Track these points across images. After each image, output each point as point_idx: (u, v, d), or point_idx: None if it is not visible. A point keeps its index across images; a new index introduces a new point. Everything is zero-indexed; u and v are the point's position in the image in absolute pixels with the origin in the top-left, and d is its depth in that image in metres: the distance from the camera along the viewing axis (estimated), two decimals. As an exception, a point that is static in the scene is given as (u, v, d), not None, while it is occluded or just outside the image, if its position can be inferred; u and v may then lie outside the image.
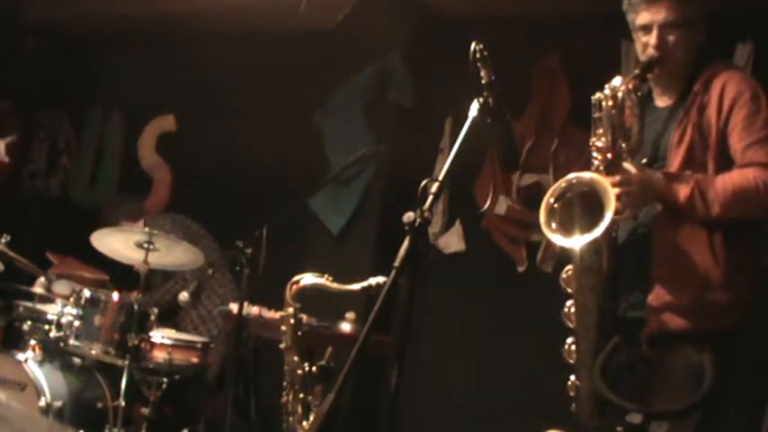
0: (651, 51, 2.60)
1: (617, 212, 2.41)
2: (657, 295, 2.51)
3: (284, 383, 3.00)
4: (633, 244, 2.60)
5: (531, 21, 4.79)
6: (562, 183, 2.48)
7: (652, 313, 2.52)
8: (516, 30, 4.71)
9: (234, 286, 4.87)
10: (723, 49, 4.00)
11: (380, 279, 2.61)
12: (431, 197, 2.22)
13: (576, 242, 2.42)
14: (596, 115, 2.53)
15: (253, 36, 5.68)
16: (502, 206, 4.79)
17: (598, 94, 2.52)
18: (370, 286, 2.71)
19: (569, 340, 2.54)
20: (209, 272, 4.70)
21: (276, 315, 3.68)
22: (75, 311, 4.16)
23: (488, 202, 4.78)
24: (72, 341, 4.15)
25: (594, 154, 2.54)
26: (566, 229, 2.44)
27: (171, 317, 4.76)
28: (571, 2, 4.59)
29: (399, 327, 2.21)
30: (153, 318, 4.23)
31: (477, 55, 2.36)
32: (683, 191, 2.47)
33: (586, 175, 2.48)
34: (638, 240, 2.60)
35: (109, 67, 6.30)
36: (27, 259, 4.43)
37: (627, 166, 2.51)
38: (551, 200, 2.46)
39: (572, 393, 2.58)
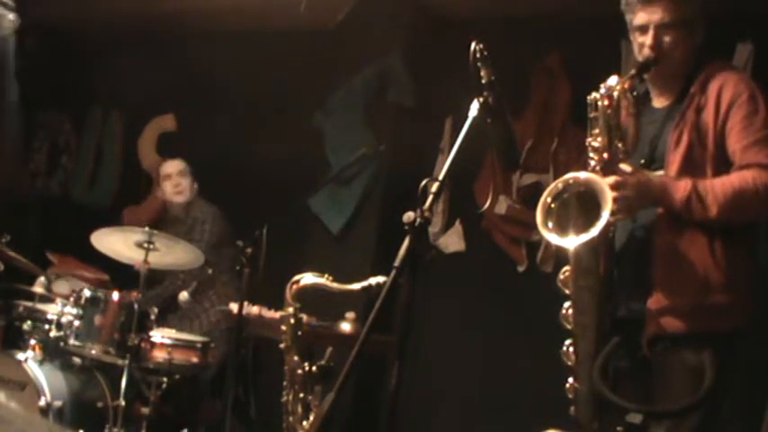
0: (647, 52, 2.59)
1: (613, 214, 2.41)
2: (657, 299, 2.50)
3: (284, 383, 3.00)
4: (631, 246, 2.59)
5: (531, 21, 4.79)
6: (559, 183, 2.47)
7: (651, 317, 2.51)
8: (516, 30, 4.71)
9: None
10: (723, 49, 4.00)
11: (380, 279, 2.61)
12: (431, 197, 2.22)
13: (573, 242, 2.41)
14: (592, 115, 2.53)
15: (253, 36, 5.68)
16: (502, 206, 4.79)
17: (594, 94, 2.51)
18: (370, 286, 2.71)
19: (567, 342, 2.54)
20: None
21: (276, 315, 3.67)
22: (75, 311, 4.16)
23: (488, 202, 4.78)
24: (72, 341, 4.15)
25: (591, 154, 2.53)
26: (562, 229, 2.44)
27: (165, 314, 4.74)
28: (571, 2, 4.59)
29: (399, 327, 2.20)
30: (153, 318, 4.24)
31: (477, 55, 2.36)
32: (679, 194, 2.47)
33: (583, 175, 2.47)
34: (636, 243, 2.58)
35: (109, 67, 6.29)
36: (27, 259, 4.43)
37: (623, 167, 2.51)
38: (548, 199, 2.46)
39: (570, 396, 2.58)
